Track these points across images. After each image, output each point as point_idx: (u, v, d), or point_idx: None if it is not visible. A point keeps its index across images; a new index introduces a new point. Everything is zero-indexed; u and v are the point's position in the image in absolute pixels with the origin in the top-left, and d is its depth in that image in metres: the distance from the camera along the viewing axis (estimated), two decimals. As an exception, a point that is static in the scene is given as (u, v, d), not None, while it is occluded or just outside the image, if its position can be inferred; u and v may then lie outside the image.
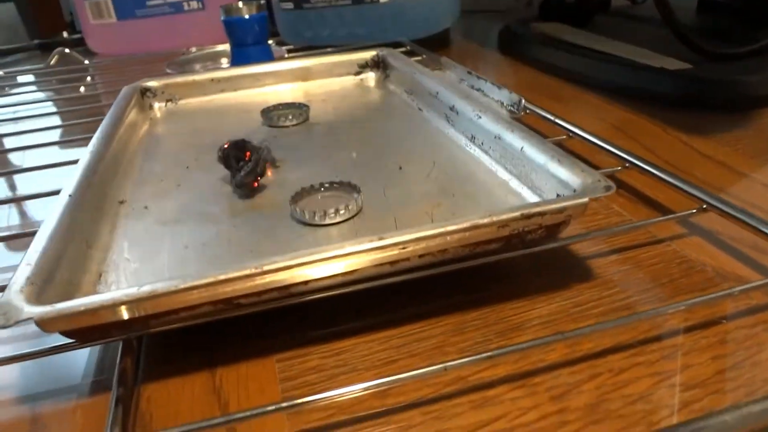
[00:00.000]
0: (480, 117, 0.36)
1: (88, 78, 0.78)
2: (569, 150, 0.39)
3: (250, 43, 0.56)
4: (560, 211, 0.24)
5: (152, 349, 0.25)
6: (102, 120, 0.42)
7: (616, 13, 0.77)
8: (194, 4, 0.84)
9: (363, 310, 0.26)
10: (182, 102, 0.52)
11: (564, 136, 0.40)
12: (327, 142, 0.41)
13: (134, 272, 0.27)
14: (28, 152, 0.51)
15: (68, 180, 0.32)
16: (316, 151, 0.40)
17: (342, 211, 0.30)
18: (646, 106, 0.49)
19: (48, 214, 0.28)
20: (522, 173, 0.31)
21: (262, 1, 0.56)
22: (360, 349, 0.24)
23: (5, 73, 0.81)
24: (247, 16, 0.55)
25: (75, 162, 0.35)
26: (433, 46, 0.68)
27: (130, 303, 0.21)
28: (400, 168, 0.35)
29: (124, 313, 0.22)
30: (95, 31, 0.86)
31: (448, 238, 0.23)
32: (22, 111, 0.64)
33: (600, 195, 0.25)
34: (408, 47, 0.68)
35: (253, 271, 0.22)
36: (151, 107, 0.51)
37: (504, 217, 0.24)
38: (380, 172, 0.35)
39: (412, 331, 0.25)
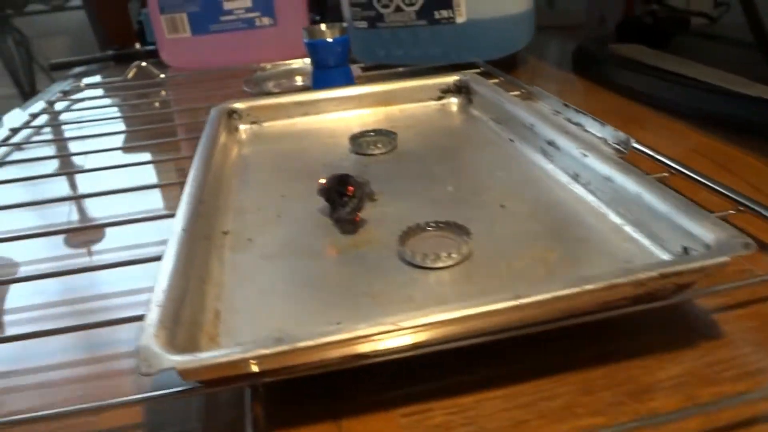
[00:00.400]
0: (586, 155, 0.35)
1: (163, 92, 0.80)
2: (670, 188, 0.38)
3: (332, 66, 0.56)
4: (699, 270, 0.23)
5: (276, 394, 0.25)
6: (179, 139, 0.43)
7: (695, 32, 0.75)
8: (266, 21, 0.85)
9: (483, 363, 0.26)
10: (266, 124, 0.52)
11: (665, 173, 0.39)
12: (420, 173, 0.41)
13: (251, 313, 0.27)
14: (115, 171, 0.52)
15: (178, 210, 0.33)
16: (411, 182, 0.39)
17: (454, 255, 0.29)
18: (743, 137, 0.47)
19: (166, 249, 0.29)
20: (638, 220, 0.30)
21: (345, 24, 0.56)
22: (485, 407, 0.24)
23: (85, 85, 0.83)
24: (330, 39, 0.55)
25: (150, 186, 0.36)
26: (504, 65, 0.67)
27: (270, 357, 0.21)
28: (502, 206, 0.35)
29: (262, 366, 0.22)
30: (170, 45, 0.88)
31: (585, 297, 0.23)
32: (97, 125, 0.65)
33: (740, 253, 0.24)
34: (482, 68, 0.67)
35: (390, 328, 0.21)
36: (236, 129, 0.52)
37: (642, 276, 0.23)
38: (482, 209, 0.35)
39: (537, 388, 0.24)
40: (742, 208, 0.33)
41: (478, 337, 0.24)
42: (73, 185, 0.52)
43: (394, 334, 0.22)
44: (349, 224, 0.34)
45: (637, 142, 0.42)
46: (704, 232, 0.26)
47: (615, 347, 0.26)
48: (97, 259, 0.40)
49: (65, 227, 0.44)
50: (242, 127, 0.52)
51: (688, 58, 0.62)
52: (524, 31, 0.69)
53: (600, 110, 0.57)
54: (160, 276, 0.26)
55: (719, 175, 0.41)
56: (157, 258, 0.28)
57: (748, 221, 0.35)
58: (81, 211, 0.47)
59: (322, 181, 0.35)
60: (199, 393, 0.24)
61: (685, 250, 0.27)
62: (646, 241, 0.29)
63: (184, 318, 0.25)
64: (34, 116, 0.69)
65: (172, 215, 0.32)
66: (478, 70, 0.66)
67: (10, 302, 0.35)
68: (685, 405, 0.23)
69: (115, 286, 0.36)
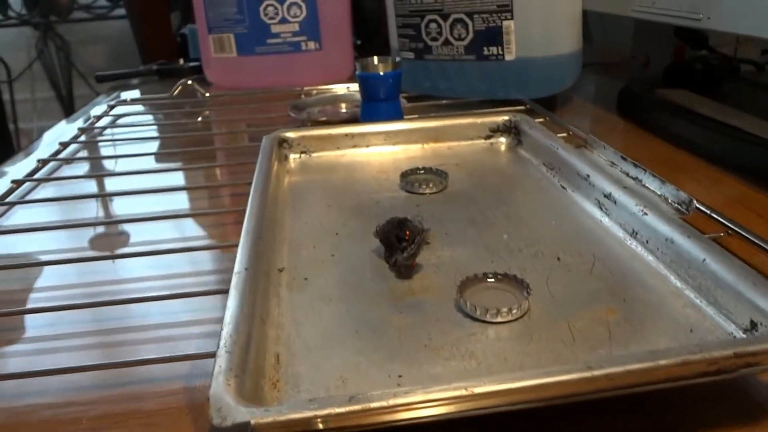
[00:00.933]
0: (646, 214, 0.35)
1: (207, 112, 0.81)
2: (726, 248, 0.37)
3: (382, 99, 0.56)
4: (773, 351, 0.23)
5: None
6: (227, 164, 0.44)
7: (744, 79, 0.75)
8: (312, 45, 0.87)
9: (542, 424, 0.26)
10: (315, 155, 0.53)
11: (722, 233, 0.38)
12: (472, 217, 0.41)
13: (312, 359, 0.28)
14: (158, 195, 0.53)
15: (239, 248, 0.33)
16: (463, 226, 0.40)
17: (514, 311, 0.29)
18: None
19: (230, 290, 0.29)
20: (701, 286, 0.30)
21: (398, 59, 0.56)
22: (550, 473, 0.24)
23: (131, 100, 0.85)
24: (382, 73, 0.56)
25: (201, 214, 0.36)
26: (546, 102, 0.67)
27: (343, 415, 0.21)
28: (558, 259, 0.35)
29: (333, 423, 0.22)
30: (215, 63, 0.89)
31: (657, 372, 0.23)
32: (142, 143, 0.67)
33: (815, 336, 0.23)
34: (528, 105, 0.67)
35: (463, 393, 0.22)
36: (286, 158, 0.52)
37: (716, 355, 0.23)
38: (538, 260, 0.35)
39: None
40: (803, 276, 0.33)
41: (544, 401, 0.24)
42: (106, 207, 0.53)
43: (466, 400, 0.22)
44: (405, 269, 0.34)
45: (709, 207, 0.41)
46: (775, 307, 0.26)
47: (674, 419, 0.26)
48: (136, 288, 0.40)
49: (97, 252, 0.45)
50: (292, 156, 0.53)
51: (736, 106, 0.61)
52: (571, 71, 0.69)
53: (649, 158, 0.57)
54: (227, 319, 0.27)
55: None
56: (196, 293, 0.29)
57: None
58: (116, 233, 0.48)
59: (383, 224, 0.35)
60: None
61: (753, 324, 0.26)
62: (709, 309, 0.29)
63: (250, 365, 0.25)
64: (83, 131, 0.70)
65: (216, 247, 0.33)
66: (522, 108, 0.67)
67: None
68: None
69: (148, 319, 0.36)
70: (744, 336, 0.26)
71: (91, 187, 0.57)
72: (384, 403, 0.21)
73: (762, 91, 0.70)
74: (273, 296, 0.32)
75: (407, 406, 0.22)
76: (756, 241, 0.36)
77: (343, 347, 0.29)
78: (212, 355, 0.25)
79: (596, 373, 0.22)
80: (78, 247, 0.45)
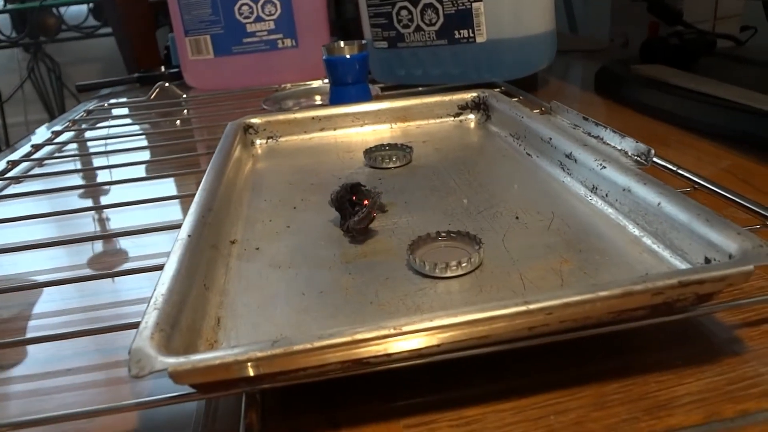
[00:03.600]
0: (604, 167, 0.34)
1: (185, 111, 0.80)
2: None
3: (349, 83, 0.56)
4: (721, 279, 0.22)
5: (273, 402, 0.24)
6: (198, 155, 0.43)
7: (720, 54, 0.74)
8: (288, 42, 0.86)
9: (491, 374, 0.25)
10: (283, 139, 0.52)
11: (688, 188, 0.37)
12: (434, 186, 0.40)
13: (253, 320, 0.27)
14: (128, 185, 0.52)
15: (186, 218, 0.32)
16: (424, 195, 0.39)
17: (464, 264, 0.28)
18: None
19: (170, 255, 0.28)
20: (658, 231, 0.29)
21: (364, 42, 0.56)
22: (491, 420, 0.23)
23: (108, 104, 0.85)
24: (348, 56, 0.55)
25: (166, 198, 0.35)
26: (525, 86, 0.66)
27: (266, 359, 0.20)
28: (517, 218, 0.34)
29: (258, 370, 0.21)
30: (193, 66, 0.89)
31: (598, 304, 0.21)
32: (118, 143, 0.66)
33: (766, 262, 0.22)
34: (503, 88, 0.67)
35: (391, 331, 0.21)
36: (252, 144, 0.51)
37: (659, 284, 0.22)
38: (495, 221, 0.34)
39: (547, 401, 0.23)
40: (769, 223, 0.32)
41: (484, 346, 0.23)
42: (95, 198, 0.52)
43: (395, 338, 0.21)
44: (358, 234, 0.33)
45: (659, 157, 0.41)
46: (727, 241, 0.24)
47: (631, 361, 0.25)
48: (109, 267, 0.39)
49: (84, 236, 0.44)
50: (258, 141, 0.52)
51: (713, 78, 0.60)
52: (545, 51, 0.69)
53: (622, 129, 0.56)
54: (161, 280, 0.26)
55: (746, 191, 0.39)
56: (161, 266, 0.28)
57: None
58: (101, 222, 0.47)
59: (337, 190, 0.34)
60: (192, 399, 0.23)
61: (707, 260, 0.25)
62: (666, 253, 0.28)
63: (184, 323, 0.24)
64: (58, 134, 0.70)
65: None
66: (498, 90, 0.66)
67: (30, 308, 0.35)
68: (705, 422, 0.21)
69: (123, 295, 0.35)
70: (695, 271, 0.25)
71: (66, 184, 0.55)
72: (308, 345, 0.20)
73: (738, 63, 0.69)
74: (221, 266, 0.31)
75: (333, 348, 0.21)
76: (722, 192, 0.35)
77: (287, 308, 0.28)
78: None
79: (533, 306, 0.21)
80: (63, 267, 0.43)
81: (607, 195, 0.33)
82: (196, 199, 0.35)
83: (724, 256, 0.24)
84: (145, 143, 0.67)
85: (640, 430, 0.21)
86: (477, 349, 0.23)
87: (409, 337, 0.21)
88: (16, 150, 0.66)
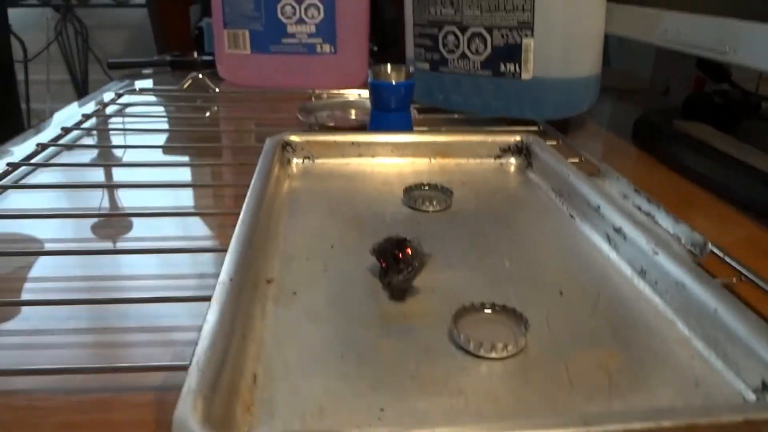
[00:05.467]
0: (657, 254, 0.33)
1: (215, 107, 0.80)
2: (737, 294, 0.35)
3: (392, 109, 0.55)
4: (787, 420, 0.21)
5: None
6: (225, 164, 0.42)
7: (765, 117, 0.73)
8: (327, 48, 0.85)
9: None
10: (319, 161, 0.51)
11: (734, 279, 0.37)
12: (474, 241, 0.39)
13: (290, 382, 0.26)
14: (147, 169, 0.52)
15: (227, 256, 0.31)
16: (464, 249, 0.38)
17: (510, 347, 0.28)
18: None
19: (211, 302, 0.27)
20: (710, 336, 0.28)
21: (412, 69, 0.55)
22: None
23: (140, 90, 0.84)
24: (394, 82, 0.54)
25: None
26: (561, 125, 0.66)
27: (314, 454, 0.20)
28: (561, 293, 0.33)
29: (303, 460, 0.20)
30: (228, 59, 0.88)
31: (658, 433, 0.21)
32: (144, 133, 0.65)
33: (833, 406, 0.22)
34: (541, 127, 0.66)
35: (447, 440, 0.20)
36: (289, 162, 0.51)
37: (724, 420, 0.21)
38: (539, 293, 0.33)
39: None
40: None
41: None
42: (112, 197, 0.52)
43: (449, 446, 0.20)
44: (399, 292, 0.32)
45: (728, 255, 0.39)
46: (790, 369, 0.24)
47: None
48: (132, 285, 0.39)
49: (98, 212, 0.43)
50: (295, 161, 0.51)
51: (754, 144, 0.59)
52: (588, 94, 0.68)
53: (658, 189, 0.55)
54: (204, 333, 0.25)
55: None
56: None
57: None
58: (117, 226, 0.46)
59: (382, 242, 0.33)
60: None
61: (765, 385, 0.25)
62: (718, 363, 0.27)
63: (224, 384, 0.24)
64: (87, 117, 0.69)
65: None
66: (535, 129, 0.65)
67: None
68: None
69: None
70: (755, 398, 0.25)
71: (90, 175, 0.56)
72: (360, 444, 0.20)
73: (782, 130, 0.68)
74: (258, 309, 0.31)
75: (384, 449, 0.20)
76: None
77: (325, 372, 0.27)
78: (185, 368, 0.23)
79: (593, 429, 0.20)
80: (66, 238, 0.44)
81: (656, 283, 0.32)
82: (237, 233, 0.34)
83: (785, 385, 0.24)
84: (171, 140, 0.66)
85: None
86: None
87: (463, 447, 0.20)
88: (40, 131, 0.66)
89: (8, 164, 0.53)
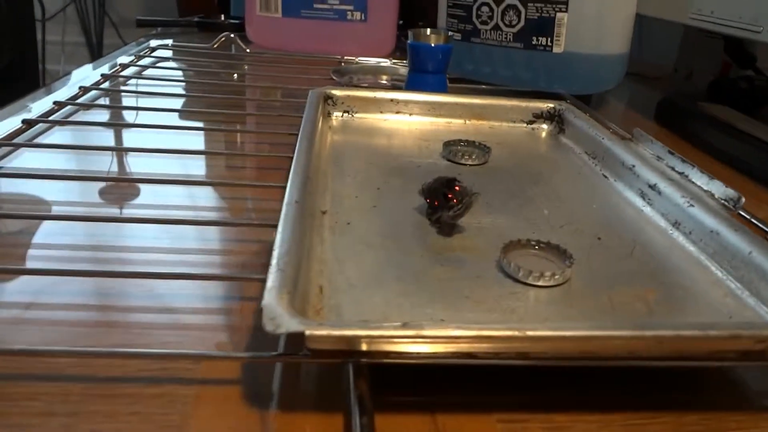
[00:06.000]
0: (692, 205, 0.35)
1: (246, 67, 0.81)
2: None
3: (429, 71, 0.57)
4: (821, 339, 0.23)
5: (376, 378, 0.26)
6: (275, 115, 0.44)
7: (784, 106, 0.74)
8: (357, 15, 0.87)
9: (582, 384, 0.26)
10: (358, 116, 0.53)
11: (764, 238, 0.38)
12: (513, 192, 0.41)
13: (354, 296, 0.28)
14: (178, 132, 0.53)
15: (289, 183, 0.33)
16: (504, 199, 0.40)
17: (557, 276, 0.30)
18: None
19: (281, 218, 0.29)
20: (744, 277, 0.30)
21: (451, 34, 0.56)
22: (580, 429, 0.24)
23: (173, 45, 0.85)
24: (433, 45, 0.56)
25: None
26: (585, 101, 0.67)
27: (394, 338, 0.22)
28: (599, 239, 0.35)
29: (380, 345, 0.22)
30: (258, 22, 0.89)
31: (705, 341, 0.23)
32: (173, 86, 0.67)
33: None
34: (568, 101, 0.67)
35: (517, 333, 0.22)
36: (329, 115, 0.52)
37: (765, 333, 0.23)
38: (578, 238, 0.35)
39: (631, 420, 0.25)
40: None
41: (585, 358, 0.24)
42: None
43: (517, 340, 0.22)
44: (448, 227, 0.34)
45: (752, 215, 0.41)
46: (821, 302, 0.26)
47: (713, 398, 0.26)
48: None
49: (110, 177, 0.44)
50: (335, 114, 0.53)
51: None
52: (617, 72, 0.69)
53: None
54: (279, 242, 0.27)
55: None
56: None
57: None
58: (126, 165, 0.47)
59: (432, 181, 0.35)
60: (309, 361, 0.24)
61: (796, 316, 0.27)
62: (750, 300, 0.29)
63: (299, 287, 0.26)
64: (105, 77, 0.68)
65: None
66: (563, 103, 0.67)
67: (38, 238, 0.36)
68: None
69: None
70: (787, 325, 0.27)
71: (108, 137, 0.53)
72: (437, 332, 0.22)
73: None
74: (316, 235, 0.33)
75: (457, 339, 0.22)
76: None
77: (384, 289, 0.29)
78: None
79: (647, 333, 0.22)
80: (78, 201, 0.41)
81: (690, 233, 0.34)
82: (295, 166, 0.36)
83: (817, 315, 0.26)
84: (202, 106, 0.64)
85: (722, 464, 0.23)
86: (579, 360, 0.24)
87: (531, 342, 0.22)
88: (57, 87, 0.66)
89: (23, 121, 0.50)
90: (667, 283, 0.31)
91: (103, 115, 0.59)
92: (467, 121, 0.54)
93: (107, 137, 0.54)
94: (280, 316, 0.22)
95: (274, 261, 0.26)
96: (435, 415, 0.24)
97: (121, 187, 0.44)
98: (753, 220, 0.40)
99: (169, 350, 0.25)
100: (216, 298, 0.31)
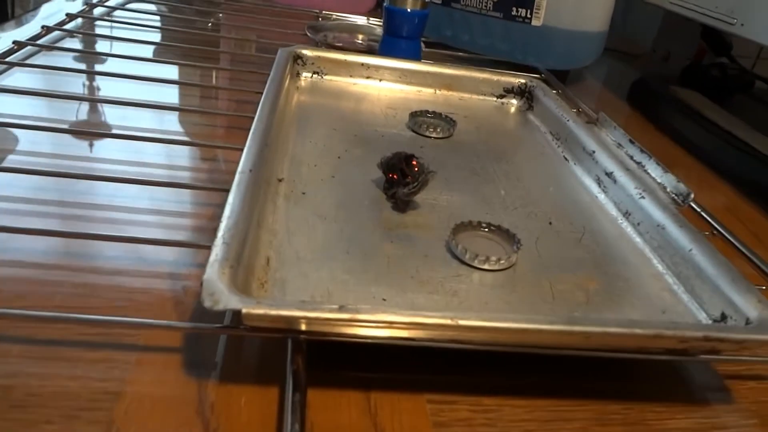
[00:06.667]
0: (643, 197, 0.35)
1: (221, 15, 0.79)
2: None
3: (403, 36, 0.56)
4: (740, 342, 0.24)
5: (312, 353, 0.26)
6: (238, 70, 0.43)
7: (757, 95, 0.75)
8: (339, -31, 0.84)
9: (509, 369, 0.27)
10: (327, 78, 0.52)
11: (707, 232, 0.40)
12: (473, 168, 0.41)
13: (300, 269, 0.28)
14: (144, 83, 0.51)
15: (245, 150, 0.33)
16: (463, 175, 0.40)
17: (502, 261, 0.30)
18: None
19: (232, 188, 0.29)
20: (681, 273, 0.31)
21: (428, 0, 0.55)
22: (507, 413, 0.25)
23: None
24: (409, 9, 0.55)
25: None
26: (560, 76, 0.67)
27: (331, 321, 0.22)
28: (550, 223, 0.36)
29: (320, 327, 0.22)
30: (237, -33, 0.86)
31: (630, 338, 0.24)
32: (140, 32, 0.65)
33: (781, 336, 0.25)
34: (543, 75, 0.67)
35: (449, 322, 0.22)
36: (298, 75, 0.52)
37: (687, 334, 0.24)
38: (530, 221, 0.36)
39: (556, 407, 0.26)
40: (774, 285, 0.34)
41: (516, 347, 0.25)
42: (92, 89, 0.51)
43: (450, 329, 0.23)
44: (403, 203, 0.35)
45: (701, 207, 0.42)
46: (748, 306, 0.27)
47: (635, 388, 0.27)
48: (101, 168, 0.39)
49: (76, 128, 0.44)
50: (304, 74, 0.52)
51: (744, 119, 0.62)
52: (593, 49, 0.69)
53: (647, 148, 0.58)
54: (227, 213, 0.27)
55: (755, 246, 0.42)
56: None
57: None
58: (96, 113, 0.47)
59: (390, 156, 0.35)
60: (249, 335, 0.25)
61: (723, 316, 0.28)
62: (684, 296, 0.30)
63: (244, 260, 0.26)
64: (91, 6, 0.68)
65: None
66: (537, 76, 0.66)
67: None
68: (692, 461, 0.24)
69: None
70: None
71: (66, 82, 0.52)
72: (370, 317, 0.22)
73: (770, 109, 0.71)
74: (270, 203, 0.33)
75: (392, 324, 0.22)
76: (737, 245, 0.37)
77: (332, 263, 0.29)
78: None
79: (575, 328, 0.23)
80: (57, 153, 0.40)
81: (639, 224, 0.35)
82: (254, 131, 0.36)
83: (741, 318, 0.27)
84: (168, 40, 0.64)
85: (635, 454, 0.24)
86: (508, 347, 0.25)
87: (461, 332, 0.23)
88: (29, 19, 0.64)
89: (14, 42, 0.51)
90: (609, 273, 0.32)
91: (65, 59, 0.57)
92: (437, 91, 0.54)
93: (66, 82, 0.52)
94: (219, 292, 0.22)
95: (219, 234, 0.26)
96: (369, 393, 0.25)
97: (82, 137, 0.43)
98: (703, 213, 0.41)
99: (111, 317, 0.25)
100: (168, 263, 0.31)
